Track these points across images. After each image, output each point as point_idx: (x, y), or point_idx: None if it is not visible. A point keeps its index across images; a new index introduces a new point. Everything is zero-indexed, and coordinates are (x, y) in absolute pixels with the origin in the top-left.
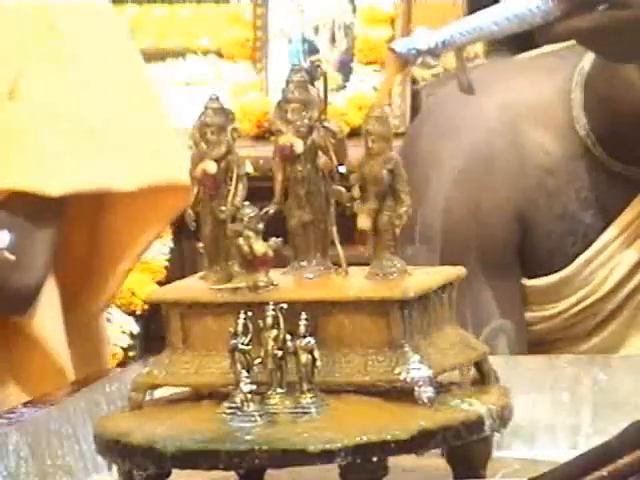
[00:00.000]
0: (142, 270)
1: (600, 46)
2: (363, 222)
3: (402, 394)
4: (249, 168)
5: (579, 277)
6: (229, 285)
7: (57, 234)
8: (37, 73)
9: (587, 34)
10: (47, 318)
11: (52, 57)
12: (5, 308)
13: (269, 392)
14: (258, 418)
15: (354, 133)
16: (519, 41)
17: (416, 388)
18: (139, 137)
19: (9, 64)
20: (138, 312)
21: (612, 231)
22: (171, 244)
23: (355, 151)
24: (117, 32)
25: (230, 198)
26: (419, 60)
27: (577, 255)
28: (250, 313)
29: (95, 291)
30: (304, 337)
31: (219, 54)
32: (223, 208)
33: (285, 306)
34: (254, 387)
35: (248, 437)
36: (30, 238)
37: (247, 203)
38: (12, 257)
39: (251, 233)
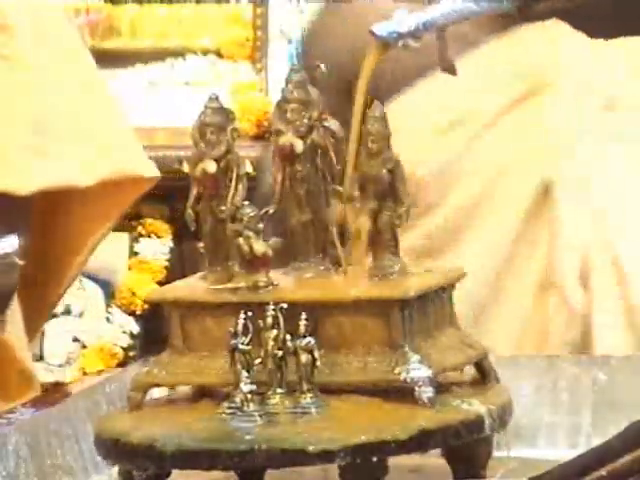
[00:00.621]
0: (142, 270)
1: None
2: (363, 222)
3: (402, 394)
4: (249, 168)
5: None
6: (229, 285)
7: (25, 232)
8: None
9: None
10: (11, 321)
11: (2, 53)
12: None
13: (269, 392)
14: (258, 418)
15: None
16: None
17: (416, 388)
18: (91, 133)
19: None
20: (138, 312)
21: None
22: (171, 244)
23: None
24: (65, 30)
25: (230, 198)
26: (400, 42)
27: None
28: (250, 313)
29: (52, 284)
30: (304, 337)
31: (219, 54)
32: (223, 208)
33: (285, 306)
34: (254, 387)
35: (248, 437)
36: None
37: (247, 203)
38: (21, 262)
39: (251, 233)
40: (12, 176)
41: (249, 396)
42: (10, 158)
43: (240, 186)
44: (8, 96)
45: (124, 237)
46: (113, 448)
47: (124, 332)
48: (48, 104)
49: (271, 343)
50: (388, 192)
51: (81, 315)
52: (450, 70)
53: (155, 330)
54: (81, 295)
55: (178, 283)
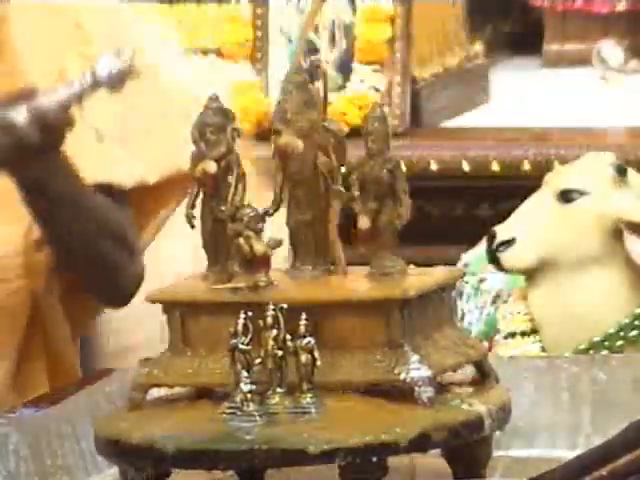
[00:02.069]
0: None
1: None
2: (363, 222)
3: (402, 394)
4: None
5: None
6: (229, 285)
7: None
8: (73, 74)
9: None
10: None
11: (83, 58)
12: (113, 302)
13: (269, 392)
14: (258, 418)
15: (354, 133)
16: (520, 41)
17: (416, 388)
18: (157, 134)
19: (49, 60)
20: None
21: None
22: None
23: (355, 151)
24: (132, 32)
25: (230, 198)
26: None
27: None
28: (250, 313)
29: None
30: (304, 337)
31: (219, 54)
32: (223, 208)
33: (285, 306)
34: (254, 387)
35: (248, 437)
36: (132, 227)
37: (247, 203)
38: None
39: (251, 233)
40: (117, 170)
41: (249, 396)
42: (113, 154)
43: (240, 186)
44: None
45: None
46: (113, 448)
47: None
48: (117, 109)
49: (271, 343)
50: (388, 192)
51: None
52: None
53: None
54: None
55: (178, 283)
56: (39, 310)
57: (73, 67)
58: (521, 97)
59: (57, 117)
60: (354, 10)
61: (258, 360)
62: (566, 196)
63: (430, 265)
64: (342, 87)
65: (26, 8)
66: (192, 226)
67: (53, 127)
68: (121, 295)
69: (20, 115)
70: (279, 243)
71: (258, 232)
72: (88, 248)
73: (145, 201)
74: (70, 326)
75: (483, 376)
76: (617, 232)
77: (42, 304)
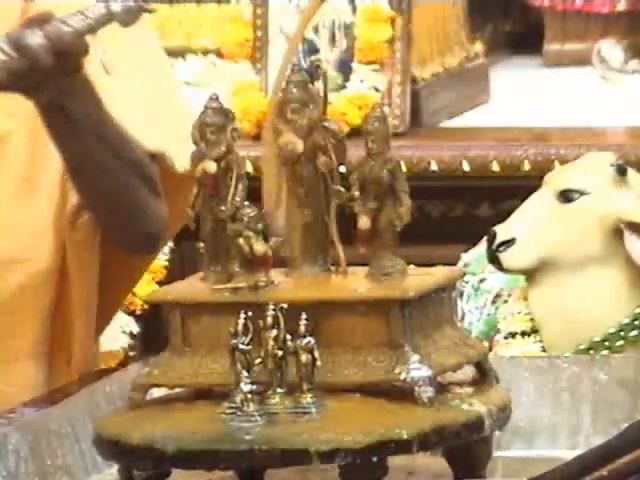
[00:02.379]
0: None
1: None
2: (363, 222)
3: (402, 394)
4: (249, 168)
5: None
6: (229, 285)
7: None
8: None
9: None
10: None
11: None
12: (141, 248)
13: (269, 392)
14: (258, 418)
15: (354, 133)
16: (520, 41)
17: (416, 388)
18: (175, 131)
19: None
20: (138, 312)
21: None
22: (171, 244)
23: (355, 151)
24: (144, 36)
25: (230, 198)
26: None
27: None
28: (250, 313)
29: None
30: (304, 337)
31: (219, 54)
32: (223, 208)
33: (285, 306)
34: (254, 387)
35: (248, 437)
36: (155, 169)
37: (247, 203)
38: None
39: (251, 233)
40: (173, 153)
41: (249, 396)
42: (170, 140)
43: (240, 186)
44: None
45: None
46: (113, 448)
47: (124, 332)
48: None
49: (271, 343)
50: (388, 192)
51: None
52: None
53: (155, 330)
54: None
55: (178, 283)
56: (65, 293)
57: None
58: (521, 97)
59: (72, 43)
60: (354, 10)
61: (258, 360)
62: (566, 196)
63: (430, 265)
64: (342, 87)
65: None
66: (192, 226)
67: (67, 52)
68: (147, 239)
69: (35, 38)
70: (280, 243)
71: (258, 232)
72: (114, 182)
73: None
74: (97, 316)
75: (483, 376)
76: (617, 232)
77: (71, 285)
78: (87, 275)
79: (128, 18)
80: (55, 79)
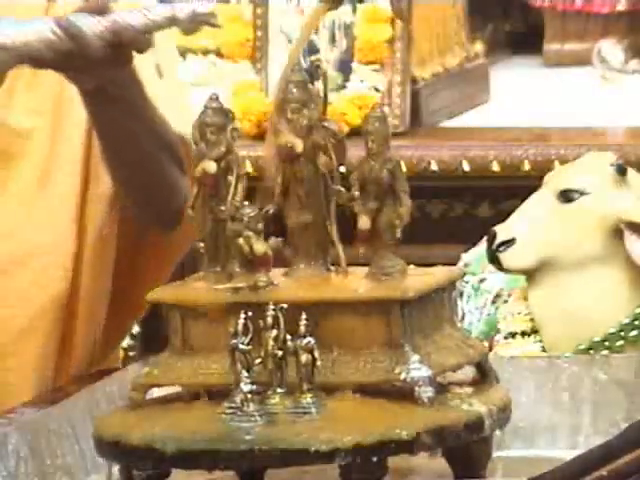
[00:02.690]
0: None
1: None
2: (363, 222)
3: (402, 394)
4: (249, 168)
5: None
6: (229, 285)
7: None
8: None
9: None
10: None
11: None
12: (167, 222)
13: (269, 392)
14: (258, 418)
15: (354, 133)
16: (520, 41)
17: (416, 388)
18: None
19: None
20: None
21: None
22: None
23: (355, 151)
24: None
25: (230, 198)
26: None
27: None
28: (250, 313)
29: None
30: (304, 337)
31: (219, 54)
32: (223, 208)
33: (285, 306)
34: (254, 387)
35: (248, 437)
36: (187, 175)
37: (247, 203)
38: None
39: (251, 233)
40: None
41: (249, 396)
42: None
43: (240, 186)
44: None
45: None
46: (113, 448)
47: None
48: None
49: (271, 343)
50: (388, 192)
51: None
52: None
53: (155, 330)
54: None
55: (178, 283)
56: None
57: None
58: (521, 97)
59: (126, 38)
60: (354, 10)
61: (258, 360)
62: (566, 196)
63: (430, 265)
64: (342, 87)
65: None
66: (191, 226)
67: (120, 45)
68: (172, 215)
69: (90, 25)
70: (280, 244)
71: (258, 232)
72: (148, 159)
73: None
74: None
75: (483, 376)
76: (617, 232)
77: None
78: (99, 272)
79: (190, 27)
80: (103, 68)
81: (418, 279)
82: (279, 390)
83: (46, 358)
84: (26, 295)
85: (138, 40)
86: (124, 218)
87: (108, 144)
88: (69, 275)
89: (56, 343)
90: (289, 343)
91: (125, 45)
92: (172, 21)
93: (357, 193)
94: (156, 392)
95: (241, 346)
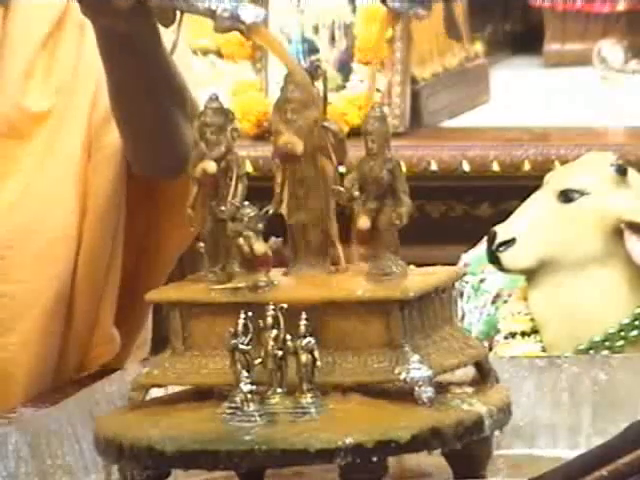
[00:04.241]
0: None
1: None
2: (363, 222)
3: (402, 394)
4: (249, 168)
5: None
6: (229, 285)
7: None
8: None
9: None
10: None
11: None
12: (170, 167)
13: (269, 392)
14: (258, 418)
15: (354, 133)
16: (520, 41)
17: (416, 388)
18: None
19: (90, 73)
20: None
21: None
22: None
23: (355, 151)
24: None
25: (230, 198)
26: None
27: None
28: (250, 313)
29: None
30: (304, 337)
31: (219, 54)
32: (223, 208)
33: (285, 306)
34: (254, 387)
35: (248, 437)
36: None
37: (247, 203)
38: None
39: (251, 233)
40: None
41: (249, 396)
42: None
43: (240, 186)
44: None
45: None
46: (113, 448)
47: None
48: None
49: (271, 343)
50: (388, 192)
51: None
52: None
53: (155, 330)
54: None
55: (178, 283)
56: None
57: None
58: (521, 97)
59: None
60: (354, 10)
61: (258, 360)
62: (566, 196)
63: (430, 265)
64: (342, 87)
65: None
66: (192, 226)
67: (147, 4)
68: (174, 163)
69: None
70: (280, 244)
71: (258, 232)
72: (157, 101)
73: None
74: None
75: (483, 376)
76: (617, 232)
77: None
78: (101, 245)
79: (224, 28)
80: (124, 16)
81: (418, 279)
82: (279, 390)
83: (49, 334)
84: (30, 271)
85: (167, 15)
86: (131, 185)
87: (121, 91)
88: (72, 252)
89: (59, 319)
90: (289, 343)
91: (152, 7)
92: (211, 15)
93: (357, 193)
94: (156, 392)
95: (241, 346)
